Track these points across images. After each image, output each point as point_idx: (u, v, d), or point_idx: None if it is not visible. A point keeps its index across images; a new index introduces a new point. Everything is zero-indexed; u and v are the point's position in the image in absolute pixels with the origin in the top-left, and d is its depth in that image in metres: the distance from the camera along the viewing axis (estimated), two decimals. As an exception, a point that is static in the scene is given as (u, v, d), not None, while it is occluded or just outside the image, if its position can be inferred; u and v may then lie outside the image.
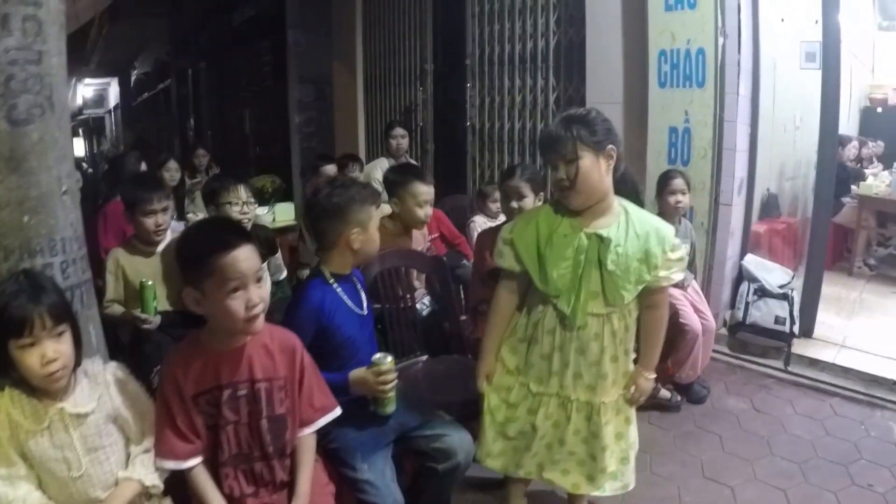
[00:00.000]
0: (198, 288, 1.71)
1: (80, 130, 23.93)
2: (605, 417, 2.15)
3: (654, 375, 2.24)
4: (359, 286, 2.33)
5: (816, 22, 4.19)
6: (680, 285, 3.55)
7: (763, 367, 4.00)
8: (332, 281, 2.23)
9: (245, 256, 1.70)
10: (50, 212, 1.98)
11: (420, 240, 3.34)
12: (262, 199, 5.13)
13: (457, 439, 2.22)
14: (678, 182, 3.57)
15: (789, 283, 4.23)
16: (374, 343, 2.37)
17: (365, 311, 2.29)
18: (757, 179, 4.76)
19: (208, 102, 12.17)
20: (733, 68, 4.00)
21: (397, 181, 3.13)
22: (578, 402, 2.15)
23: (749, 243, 4.56)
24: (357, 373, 2.11)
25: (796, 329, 4.01)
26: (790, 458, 3.03)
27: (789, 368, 3.92)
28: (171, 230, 3.04)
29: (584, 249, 2.04)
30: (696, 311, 3.58)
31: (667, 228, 2.11)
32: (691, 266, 3.76)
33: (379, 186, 4.70)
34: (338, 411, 1.99)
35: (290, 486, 1.90)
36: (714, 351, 4.15)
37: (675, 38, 4.01)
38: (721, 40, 3.89)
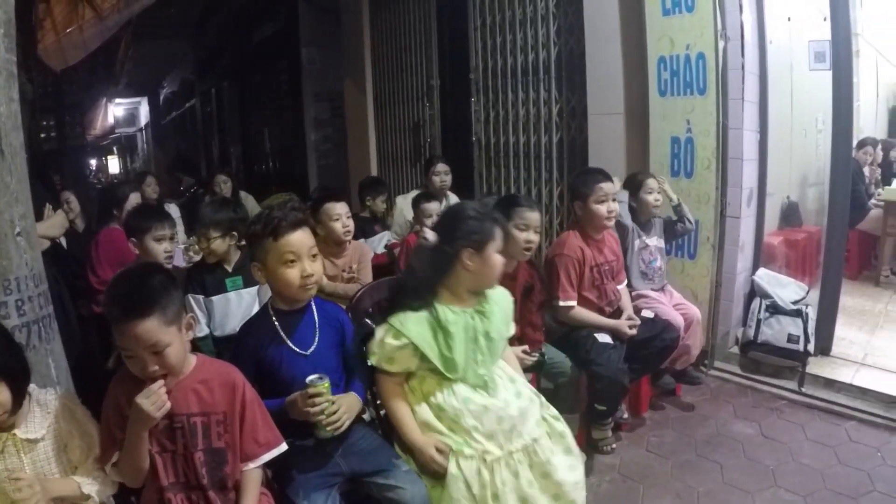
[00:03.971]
0: None
1: (114, 149, 24.39)
2: (545, 451, 2.15)
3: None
4: (316, 325, 2.21)
5: (825, 19, 3.96)
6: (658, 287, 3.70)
7: (776, 389, 3.76)
8: (272, 315, 2.17)
9: (140, 332, 1.70)
10: (2, 253, 2.05)
11: (353, 257, 3.60)
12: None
13: (409, 493, 2.08)
14: (653, 181, 3.71)
15: (803, 298, 4.01)
16: (339, 387, 2.23)
17: (309, 352, 2.17)
18: (774, 188, 4.55)
19: (231, 120, 12.30)
20: (737, 73, 3.81)
21: (315, 206, 3.50)
22: (518, 453, 2.11)
23: (762, 256, 4.33)
24: (292, 396, 2.06)
25: (811, 347, 3.77)
26: (795, 491, 2.81)
27: (803, 389, 3.68)
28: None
29: (472, 326, 2.19)
30: (675, 306, 3.61)
31: (504, 291, 2.38)
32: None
33: (406, 225, 4.65)
34: (283, 447, 1.98)
35: (233, 518, 1.90)
36: (724, 371, 3.99)
37: (674, 43, 3.83)
38: (722, 44, 3.70)
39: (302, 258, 2.10)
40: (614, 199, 3.23)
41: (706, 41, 3.69)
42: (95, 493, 1.81)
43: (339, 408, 2.07)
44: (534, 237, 2.88)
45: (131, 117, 20.67)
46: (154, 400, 1.72)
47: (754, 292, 4.12)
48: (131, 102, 19.75)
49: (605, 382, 2.98)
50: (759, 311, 3.93)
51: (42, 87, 12.22)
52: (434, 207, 4.26)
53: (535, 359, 2.84)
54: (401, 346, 2.13)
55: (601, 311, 3.25)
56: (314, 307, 2.24)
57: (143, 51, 11.71)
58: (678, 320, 3.42)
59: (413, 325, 2.14)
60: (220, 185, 6.11)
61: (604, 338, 3.10)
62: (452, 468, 2.07)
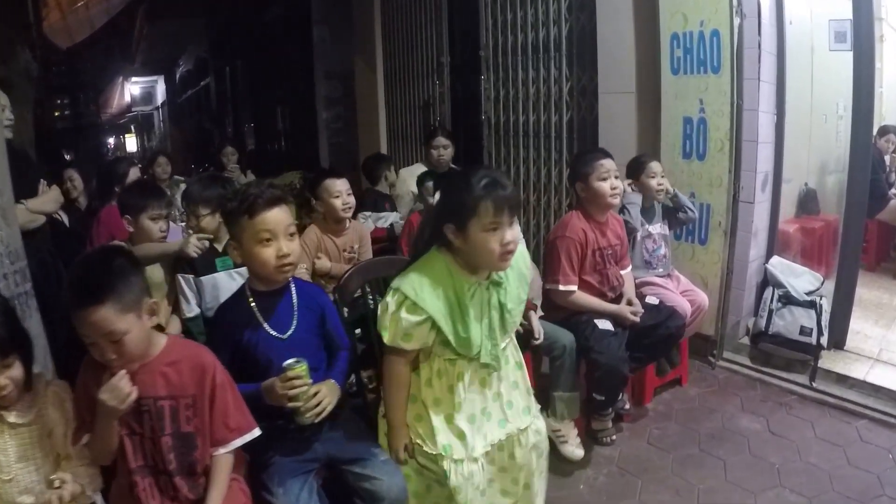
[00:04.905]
0: None
1: (132, 127, 24.48)
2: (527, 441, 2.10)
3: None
4: (294, 307, 2.13)
5: (847, -3, 3.77)
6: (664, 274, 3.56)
7: (786, 383, 3.60)
8: (249, 297, 2.09)
9: (94, 320, 1.63)
10: (-24, 230, 2.05)
11: (354, 237, 3.53)
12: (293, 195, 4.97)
13: (386, 485, 2.01)
14: (657, 164, 3.57)
15: (818, 289, 3.82)
16: (318, 371, 2.14)
17: (286, 336, 2.08)
18: (791, 174, 4.37)
19: (245, 99, 12.24)
20: (753, 51, 3.62)
21: (314, 183, 3.45)
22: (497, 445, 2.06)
23: (777, 244, 4.15)
24: (268, 380, 1.97)
25: (824, 341, 3.60)
26: (800, 492, 2.67)
27: (815, 384, 3.52)
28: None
29: (487, 299, 1.99)
30: (683, 293, 3.51)
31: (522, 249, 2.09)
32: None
33: (409, 196, 4.54)
34: (256, 432, 1.91)
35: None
36: (733, 362, 3.85)
37: (687, 19, 3.66)
38: (738, 20, 3.52)
39: (278, 237, 1.99)
40: (617, 177, 3.07)
41: (721, 17, 3.52)
42: (88, 488, 1.78)
43: (319, 392, 1.99)
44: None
45: (148, 96, 20.63)
46: (117, 394, 1.66)
47: (767, 281, 3.95)
48: (148, 81, 19.71)
49: (604, 371, 2.85)
50: (771, 301, 3.76)
51: (56, 66, 12.24)
52: None
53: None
54: (419, 322, 1.92)
55: (603, 297, 3.11)
56: (293, 289, 2.15)
57: (159, 29, 11.71)
58: (684, 307, 3.29)
59: (429, 296, 1.91)
60: (228, 156, 6.09)
61: (604, 324, 2.97)
62: (452, 477, 1.96)
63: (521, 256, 2.08)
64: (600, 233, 3.11)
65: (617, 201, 3.10)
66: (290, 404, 1.94)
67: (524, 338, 2.72)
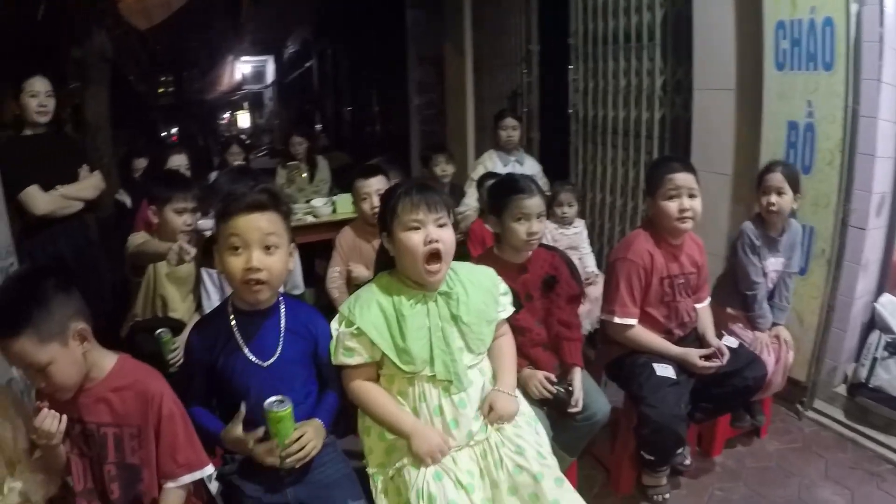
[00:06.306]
0: None
1: (244, 104, 25.15)
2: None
3: (515, 393, 2.03)
4: (281, 331, 1.89)
5: None
6: (761, 328, 2.92)
7: (882, 447, 2.98)
8: (231, 314, 1.89)
9: (13, 352, 1.57)
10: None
11: None
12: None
13: None
14: (774, 177, 2.92)
15: (936, 337, 3.19)
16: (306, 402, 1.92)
17: (267, 363, 1.85)
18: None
19: (343, 82, 12.23)
20: (873, 46, 2.99)
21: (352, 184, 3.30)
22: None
23: (889, 279, 3.51)
24: (233, 433, 1.81)
25: (935, 400, 2.99)
26: None
27: (918, 453, 2.92)
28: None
29: (436, 311, 1.92)
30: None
31: (485, 268, 2.10)
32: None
33: (473, 187, 4.19)
34: (208, 470, 1.81)
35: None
36: (824, 415, 3.29)
37: (795, 5, 3.10)
38: (855, 7, 2.93)
39: (250, 246, 1.77)
40: (692, 195, 2.53)
41: (835, 3, 2.95)
42: (18, 494, 1.68)
43: (303, 434, 1.78)
44: (536, 227, 2.35)
45: (259, 75, 21.02)
46: (43, 433, 1.61)
47: (874, 323, 3.32)
48: (259, 60, 20.11)
49: (653, 429, 2.36)
50: (876, 348, 3.15)
51: (159, 44, 12.59)
52: None
53: (554, 392, 2.28)
54: (356, 335, 1.89)
55: (668, 335, 2.62)
56: (282, 310, 1.93)
57: (268, 11, 11.77)
58: (767, 359, 2.76)
59: (361, 309, 1.89)
60: (296, 146, 5.84)
61: (664, 370, 2.46)
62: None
63: (486, 275, 2.07)
64: (671, 257, 2.62)
65: (687, 226, 2.55)
66: (265, 461, 1.78)
67: (560, 402, 2.29)
